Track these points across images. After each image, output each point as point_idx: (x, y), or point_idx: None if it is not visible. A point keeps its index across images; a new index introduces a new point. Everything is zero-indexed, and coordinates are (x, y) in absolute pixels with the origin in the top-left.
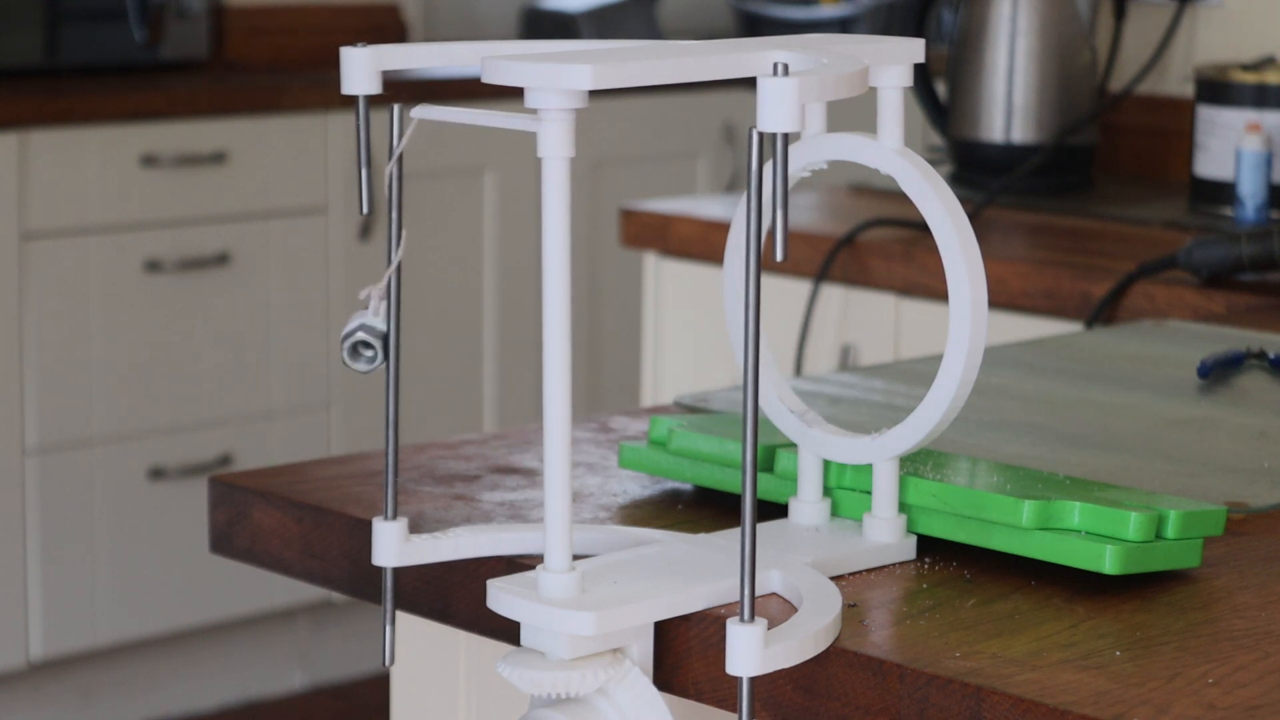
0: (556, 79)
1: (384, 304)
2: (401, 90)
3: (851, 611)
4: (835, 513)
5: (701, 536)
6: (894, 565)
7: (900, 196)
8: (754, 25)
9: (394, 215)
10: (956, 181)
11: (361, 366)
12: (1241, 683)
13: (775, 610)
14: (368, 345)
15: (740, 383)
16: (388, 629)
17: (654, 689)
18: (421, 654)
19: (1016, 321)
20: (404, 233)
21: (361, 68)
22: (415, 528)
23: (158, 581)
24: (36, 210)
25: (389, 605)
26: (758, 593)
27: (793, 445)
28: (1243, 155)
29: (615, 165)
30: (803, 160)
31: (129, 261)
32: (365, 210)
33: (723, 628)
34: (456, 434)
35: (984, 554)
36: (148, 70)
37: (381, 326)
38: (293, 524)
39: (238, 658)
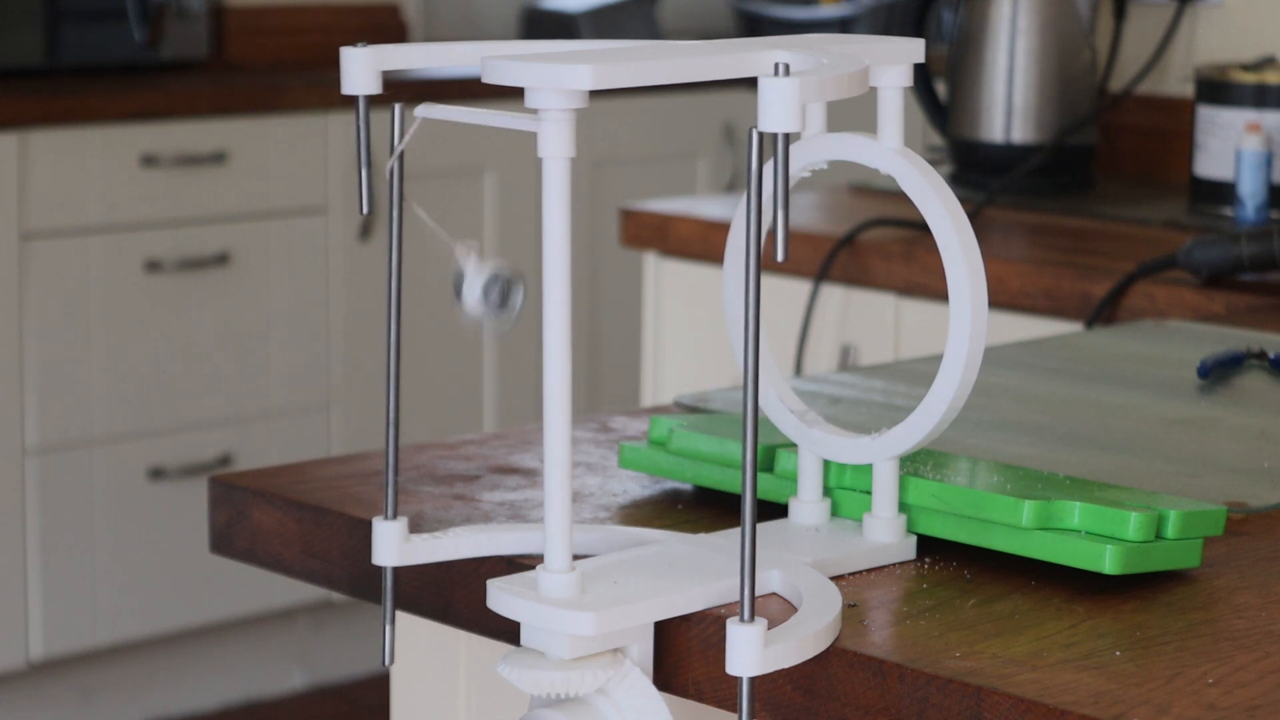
0: (557, 79)
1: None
2: (401, 90)
3: (851, 611)
4: (835, 513)
5: (701, 536)
6: (894, 565)
7: (900, 196)
8: (754, 25)
9: (395, 215)
10: (956, 181)
11: (515, 310)
12: (1241, 683)
13: (775, 610)
14: (505, 293)
15: (740, 383)
16: (388, 629)
17: (654, 689)
18: (421, 654)
19: (1016, 321)
20: (401, 229)
21: (361, 68)
22: (415, 528)
23: (158, 581)
24: (36, 210)
25: (389, 605)
26: (758, 593)
27: (793, 445)
28: (1243, 155)
29: (615, 165)
30: (803, 160)
31: (129, 261)
32: (365, 210)
33: (723, 628)
34: (456, 434)
35: (984, 554)
36: (148, 70)
37: (507, 270)
38: (293, 524)
39: (238, 658)
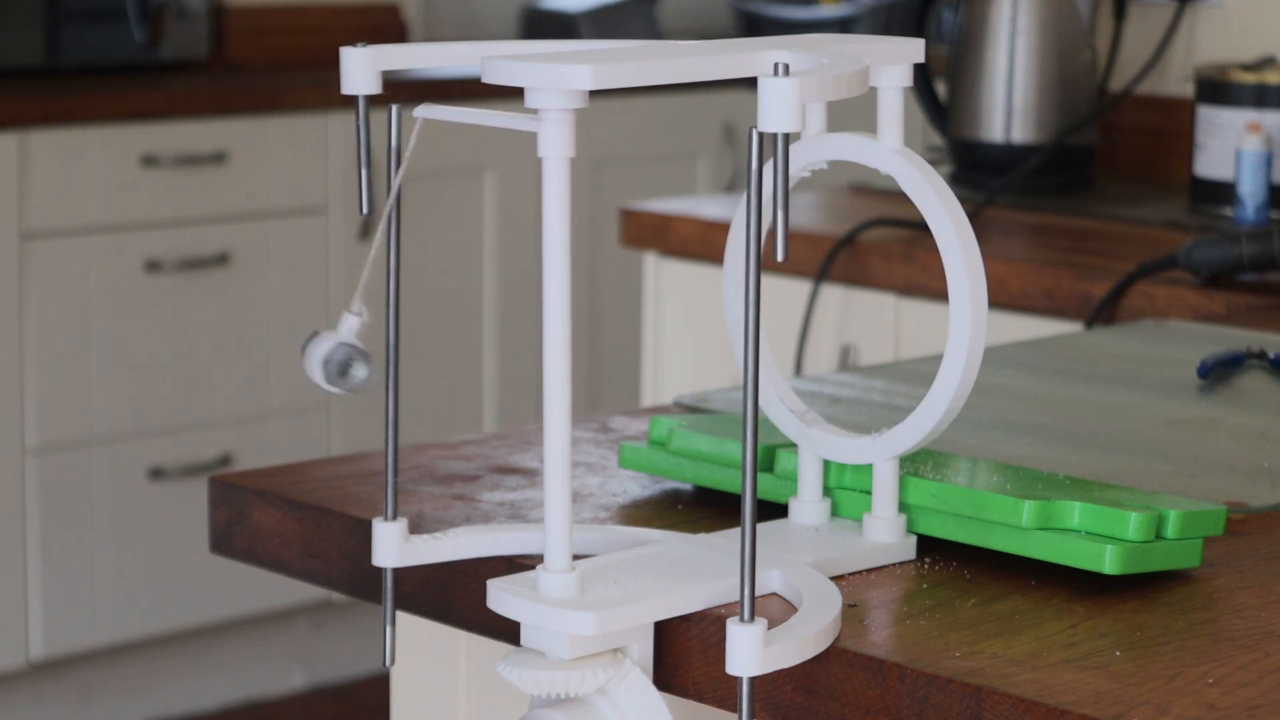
0: (556, 79)
1: (359, 320)
2: (401, 90)
3: (851, 611)
4: (835, 513)
5: (701, 536)
6: (894, 565)
7: (900, 196)
8: (754, 25)
9: (391, 216)
10: (956, 181)
11: (352, 384)
12: (1241, 683)
13: (775, 610)
14: (348, 365)
15: (740, 383)
16: (388, 629)
17: (654, 689)
18: (421, 654)
19: (1016, 321)
20: (399, 230)
21: (361, 68)
22: (415, 528)
23: (158, 581)
24: (36, 210)
25: (389, 605)
26: (758, 593)
27: (793, 445)
28: (1243, 155)
29: (615, 165)
30: (803, 160)
31: (129, 261)
32: (365, 210)
33: (723, 628)
34: (456, 434)
35: (984, 554)
36: (148, 70)
37: (359, 343)
38: (293, 524)
39: (238, 658)
